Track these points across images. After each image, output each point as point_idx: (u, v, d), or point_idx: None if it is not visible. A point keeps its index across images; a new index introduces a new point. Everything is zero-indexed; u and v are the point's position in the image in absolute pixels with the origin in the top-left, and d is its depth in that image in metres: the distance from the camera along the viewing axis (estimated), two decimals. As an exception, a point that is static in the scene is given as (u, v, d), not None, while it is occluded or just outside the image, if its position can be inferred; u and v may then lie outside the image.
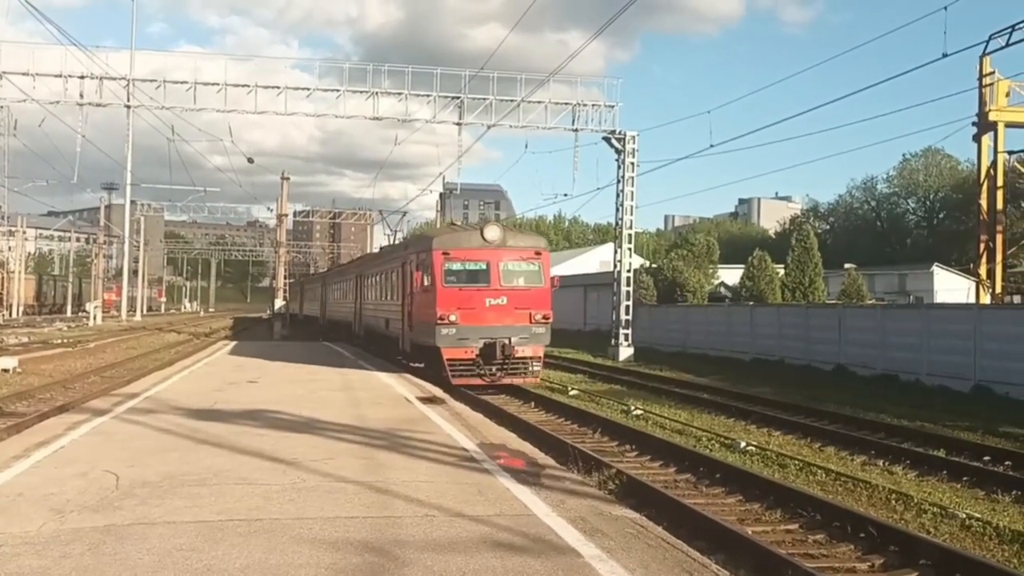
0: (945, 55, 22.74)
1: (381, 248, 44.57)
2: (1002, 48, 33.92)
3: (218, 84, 39.27)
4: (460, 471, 10.10)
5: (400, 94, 39.83)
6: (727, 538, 9.23)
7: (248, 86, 39.59)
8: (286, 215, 57.17)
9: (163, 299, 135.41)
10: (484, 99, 40.24)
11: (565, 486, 9.48)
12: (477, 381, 22.36)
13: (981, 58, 36.19)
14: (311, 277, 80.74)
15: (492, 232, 23.50)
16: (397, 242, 40.85)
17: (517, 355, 22.43)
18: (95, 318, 66.93)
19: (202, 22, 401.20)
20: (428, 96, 40.22)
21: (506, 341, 22.31)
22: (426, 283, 23.27)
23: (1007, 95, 37.38)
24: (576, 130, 40.82)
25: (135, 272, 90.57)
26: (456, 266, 22.90)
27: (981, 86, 36.73)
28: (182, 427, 13.06)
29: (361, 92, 39.87)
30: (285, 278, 57.95)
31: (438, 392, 19.42)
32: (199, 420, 13.75)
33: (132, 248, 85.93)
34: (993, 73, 36.76)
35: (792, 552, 9.06)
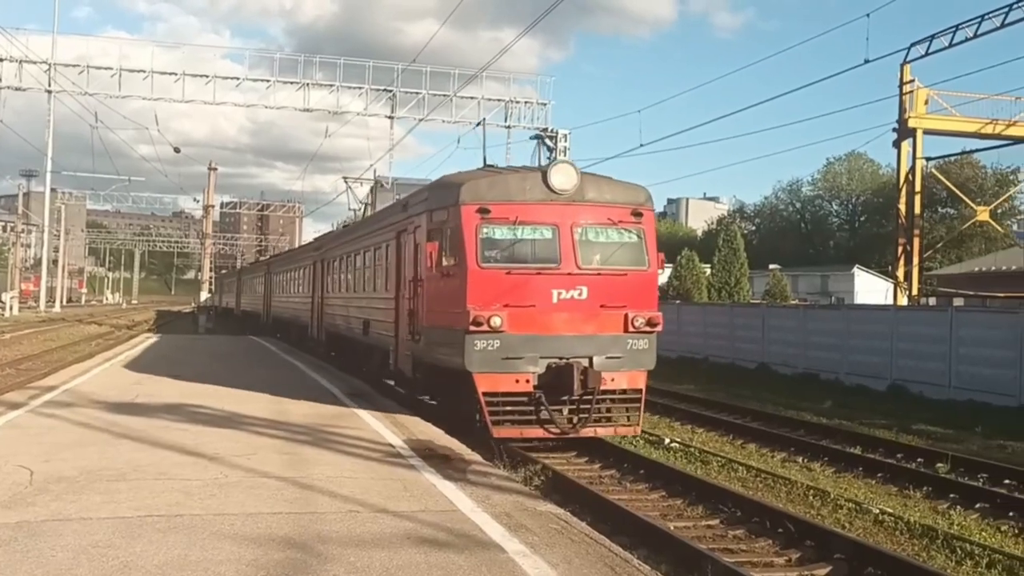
0: (867, 61, 23.30)
1: (352, 222, 30.27)
2: (922, 57, 34.98)
3: (144, 71, 38.49)
4: (385, 467, 10.06)
5: (332, 86, 39.52)
6: (650, 533, 9.37)
7: (176, 74, 38.90)
8: (213, 206, 56.25)
9: (84, 290, 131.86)
10: (417, 93, 40.16)
11: (490, 482, 9.51)
12: (537, 432, 13.42)
13: (902, 66, 37.20)
14: (253, 265, 67.41)
15: (563, 175, 13.82)
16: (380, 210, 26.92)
17: (606, 387, 13.49)
18: (11, 309, 64.98)
19: (131, 8, 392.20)
20: (360, 89, 40.03)
21: (586, 363, 13.31)
22: (447, 262, 13.94)
23: (926, 103, 38.50)
24: (509, 127, 41.00)
25: (55, 262, 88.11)
26: (502, 233, 13.60)
27: (901, 93, 37.75)
28: (101, 421, 12.76)
29: (292, 83, 39.52)
30: (211, 270, 56.95)
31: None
32: (119, 414, 13.45)
33: (52, 237, 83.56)
34: (913, 81, 37.81)
35: (712, 547, 9.23)
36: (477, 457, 11.19)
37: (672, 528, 9.87)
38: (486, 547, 6.94)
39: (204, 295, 52.01)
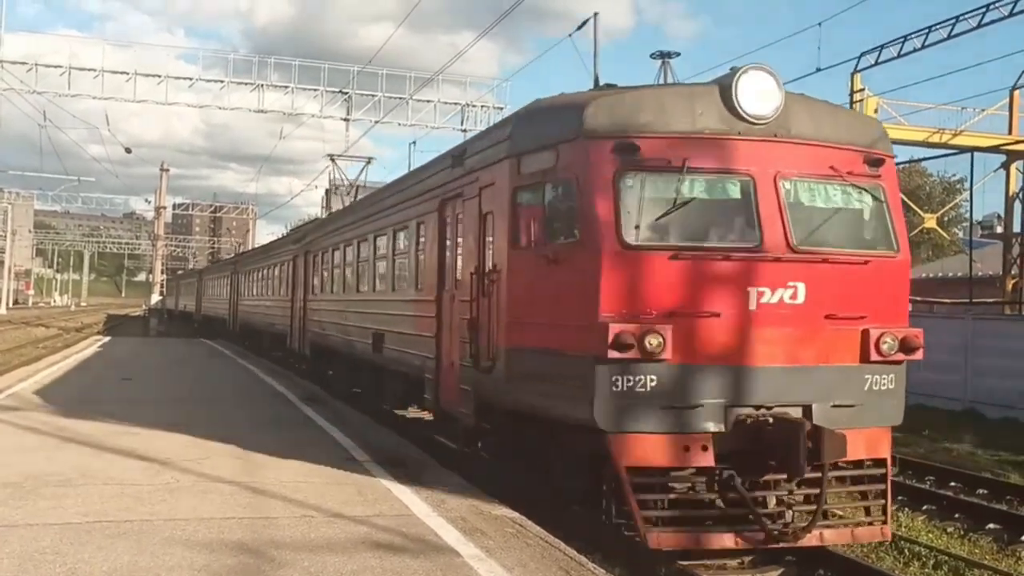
0: (819, 69, 23.69)
1: (351, 203, 24.22)
2: (872, 66, 35.60)
3: (95, 70, 37.78)
4: (340, 471, 9.99)
5: (287, 88, 39.17)
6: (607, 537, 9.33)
7: (127, 73, 38.21)
8: (165, 208, 55.52)
9: (31, 292, 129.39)
10: (373, 95, 39.91)
11: (446, 486, 9.49)
12: (726, 540, 7.95)
13: (852, 75, 37.84)
14: (217, 264, 61.65)
15: (761, 89, 8.41)
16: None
17: (838, 455, 8.08)
18: (-45, 311, 63.53)
19: (82, 6, 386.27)
20: (315, 91, 39.67)
21: (800, 414, 8.15)
22: (555, 239, 8.81)
23: (876, 111, 39.17)
24: (465, 130, 40.84)
25: (1, 263, 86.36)
26: (660, 186, 8.30)
27: (852, 102, 38.39)
28: (48, 425, 12.52)
29: (247, 84, 39.02)
30: (163, 272, 56.25)
31: None
32: (67, 418, 13.21)
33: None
34: (863, 90, 38.48)
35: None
36: (433, 462, 11.14)
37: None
38: (441, 551, 6.93)
39: (155, 297, 51.23)
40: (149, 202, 68.09)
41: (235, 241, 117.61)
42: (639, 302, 7.89)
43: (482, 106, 41.05)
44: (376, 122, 40.60)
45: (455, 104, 40.96)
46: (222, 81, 39.15)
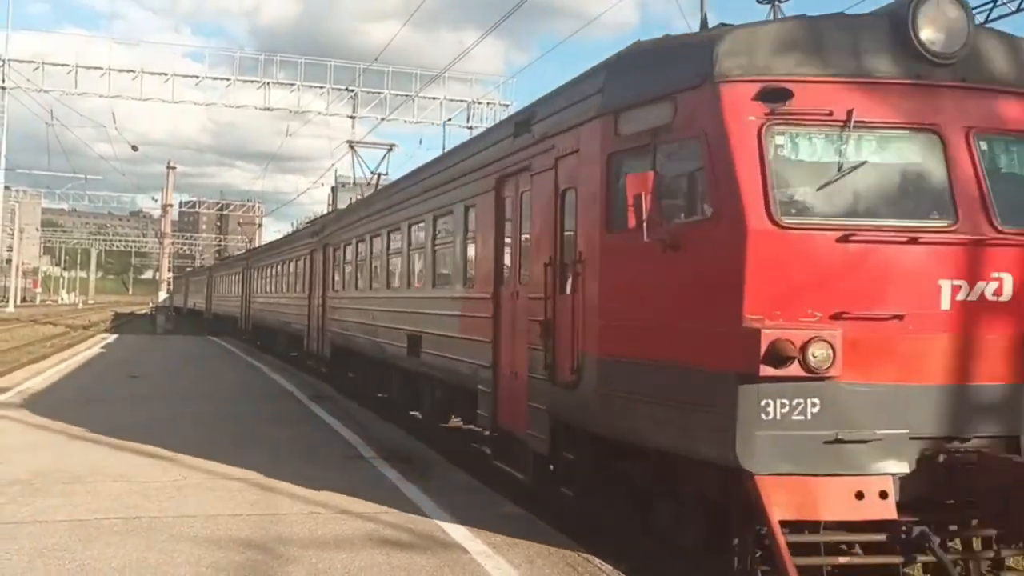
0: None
1: (379, 190, 20.77)
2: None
3: (101, 68, 37.92)
4: (347, 468, 10.01)
5: (293, 85, 39.27)
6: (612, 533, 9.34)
7: (133, 71, 38.36)
8: (171, 205, 55.64)
9: (39, 290, 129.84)
10: (379, 93, 39.99)
11: (452, 482, 9.50)
12: None
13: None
14: (227, 260, 56.58)
15: (943, 18, 6.40)
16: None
17: None
18: (-37, 309, 63.75)
19: (89, 5, 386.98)
20: (321, 88, 39.79)
21: (1008, 448, 6.21)
22: (674, 217, 6.67)
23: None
24: (471, 127, 40.91)
25: (8, 261, 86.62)
26: (817, 147, 6.31)
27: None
28: (56, 423, 12.56)
29: (252, 82, 39.15)
30: (170, 270, 56.39)
31: None
32: (75, 415, 13.23)
33: (6, 236, 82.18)
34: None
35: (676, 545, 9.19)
36: (440, 459, 11.15)
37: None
38: (448, 548, 6.93)
39: (162, 295, 51.33)
40: (156, 200, 68.31)
41: (243, 239, 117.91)
42: (797, 300, 5.95)
43: (488, 103, 41.10)
44: (382, 119, 40.68)
45: (461, 101, 41.03)
46: (228, 79, 39.30)
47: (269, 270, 31.87)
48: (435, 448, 11.82)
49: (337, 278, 19.90)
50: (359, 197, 22.97)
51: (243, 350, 31.05)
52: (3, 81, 38.88)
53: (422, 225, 13.23)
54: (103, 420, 12.85)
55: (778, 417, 5.88)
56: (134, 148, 53.42)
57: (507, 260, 9.75)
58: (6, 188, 70.68)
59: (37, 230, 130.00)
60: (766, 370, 5.76)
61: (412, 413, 14.47)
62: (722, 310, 6.06)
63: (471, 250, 10.90)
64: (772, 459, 5.86)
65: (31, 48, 62.96)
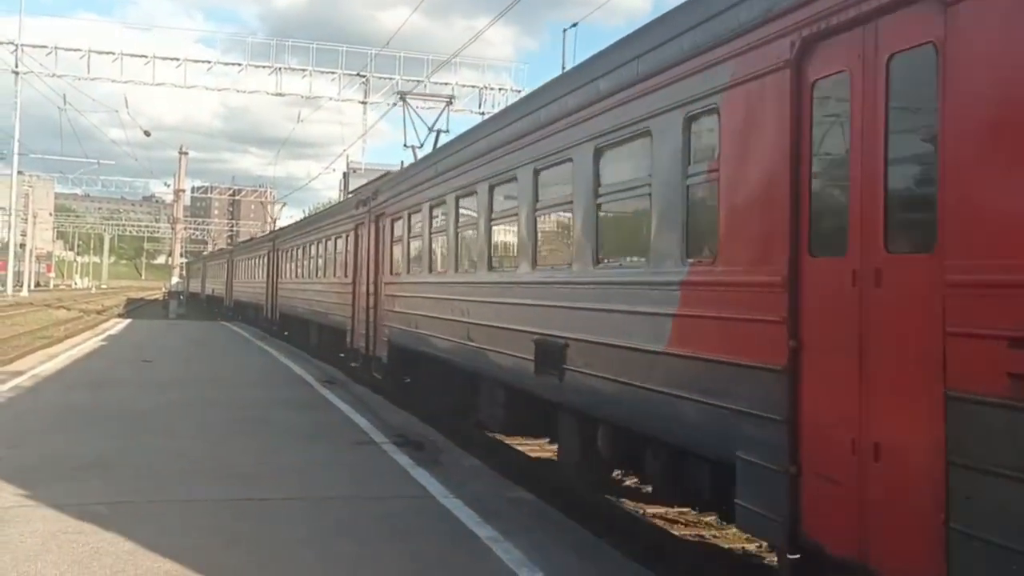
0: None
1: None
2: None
3: (114, 53, 38.00)
4: (358, 453, 10.04)
5: (305, 71, 39.29)
6: (623, 519, 9.37)
7: (146, 56, 38.44)
8: (183, 191, 55.79)
9: (52, 274, 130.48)
10: (391, 78, 39.96)
11: (464, 468, 9.52)
12: None
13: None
14: (250, 243, 49.76)
15: None
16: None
17: None
18: (-22, 293, 64.15)
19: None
20: (333, 74, 39.81)
21: None
22: None
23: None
24: (483, 113, 40.86)
25: (22, 246, 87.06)
26: None
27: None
28: (70, 407, 12.63)
29: (265, 67, 39.19)
30: (182, 255, 56.58)
31: None
32: (89, 400, 13.32)
33: (19, 221, 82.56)
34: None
35: (684, 533, 9.25)
36: (450, 444, 11.17)
37: (644, 513, 9.79)
38: (459, 534, 6.94)
39: (175, 280, 51.56)
40: (168, 185, 68.37)
41: (256, 223, 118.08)
42: None
43: (500, 88, 41.02)
44: (394, 104, 40.60)
45: (472, 87, 40.97)
46: (240, 64, 39.38)
47: (301, 251, 28.13)
48: (446, 434, 11.81)
49: (398, 257, 15.80)
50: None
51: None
52: (16, 66, 38.94)
53: (567, 167, 8.71)
54: (116, 405, 12.92)
55: None
56: (147, 133, 53.62)
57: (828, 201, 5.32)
58: (19, 173, 70.96)
59: (50, 215, 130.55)
60: None
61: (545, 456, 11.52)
62: None
63: (713, 191, 6.27)
64: None
65: (44, 34, 63.08)
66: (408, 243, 15.04)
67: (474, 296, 11.26)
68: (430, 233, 13.68)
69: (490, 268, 10.89)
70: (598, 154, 8.01)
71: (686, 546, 8.41)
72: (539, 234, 9.61)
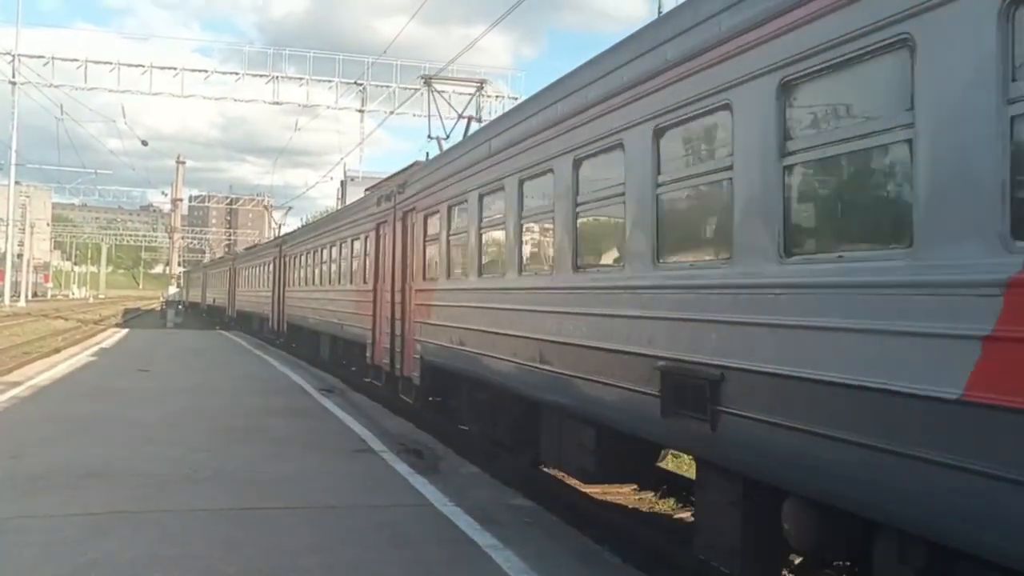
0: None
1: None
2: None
3: (111, 63, 38.08)
4: (357, 461, 10.03)
5: (302, 80, 39.39)
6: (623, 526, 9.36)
7: (143, 66, 38.51)
8: (181, 200, 55.83)
9: (50, 284, 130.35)
10: (388, 86, 40.05)
11: (463, 475, 9.52)
12: None
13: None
14: (254, 249, 46.26)
15: None
16: None
17: None
18: (-25, 303, 64.07)
19: (100, 1, 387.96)
20: (330, 82, 39.89)
21: None
22: None
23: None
24: (480, 120, 40.95)
25: (19, 256, 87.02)
26: None
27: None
28: (69, 416, 12.60)
29: (261, 76, 39.29)
30: (180, 264, 56.58)
31: None
32: (87, 409, 13.29)
33: (17, 231, 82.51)
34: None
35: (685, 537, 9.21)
36: (449, 452, 11.18)
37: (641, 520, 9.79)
38: (458, 541, 6.94)
39: (172, 289, 51.56)
40: (166, 194, 68.42)
41: (254, 232, 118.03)
42: None
43: (496, 96, 41.09)
44: (391, 112, 40.74)
45: (470, 94, 41.05)
46: (237, 73, 39.43)
47: (311, 256, 25.67)
48: (445, 442, 11.81)
49: (434, 260, 13.45)
50: (366, 192, 19.53)
51: (255, 344, 31.10)
52: (14, 76, 39.00)
53: (675, 133, 6.69)
54: (115, 414, 12.90)
55: None
56: (144, 143, 53.74)
57: None
58: (17, 183, 70.97)
59: (48, 225, 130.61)
60: None
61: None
62: None
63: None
64: None
65: (42, 44, 63.18)
66: (447, 242, 12.67)
67: (550, 306, 8.77)
68: (480, 228, 11.19)
69: (576, 269, 8.31)
70: (735, 107, 5.81)
71: (687, 553, 8.39)
72: (664, 216, 6.85)
